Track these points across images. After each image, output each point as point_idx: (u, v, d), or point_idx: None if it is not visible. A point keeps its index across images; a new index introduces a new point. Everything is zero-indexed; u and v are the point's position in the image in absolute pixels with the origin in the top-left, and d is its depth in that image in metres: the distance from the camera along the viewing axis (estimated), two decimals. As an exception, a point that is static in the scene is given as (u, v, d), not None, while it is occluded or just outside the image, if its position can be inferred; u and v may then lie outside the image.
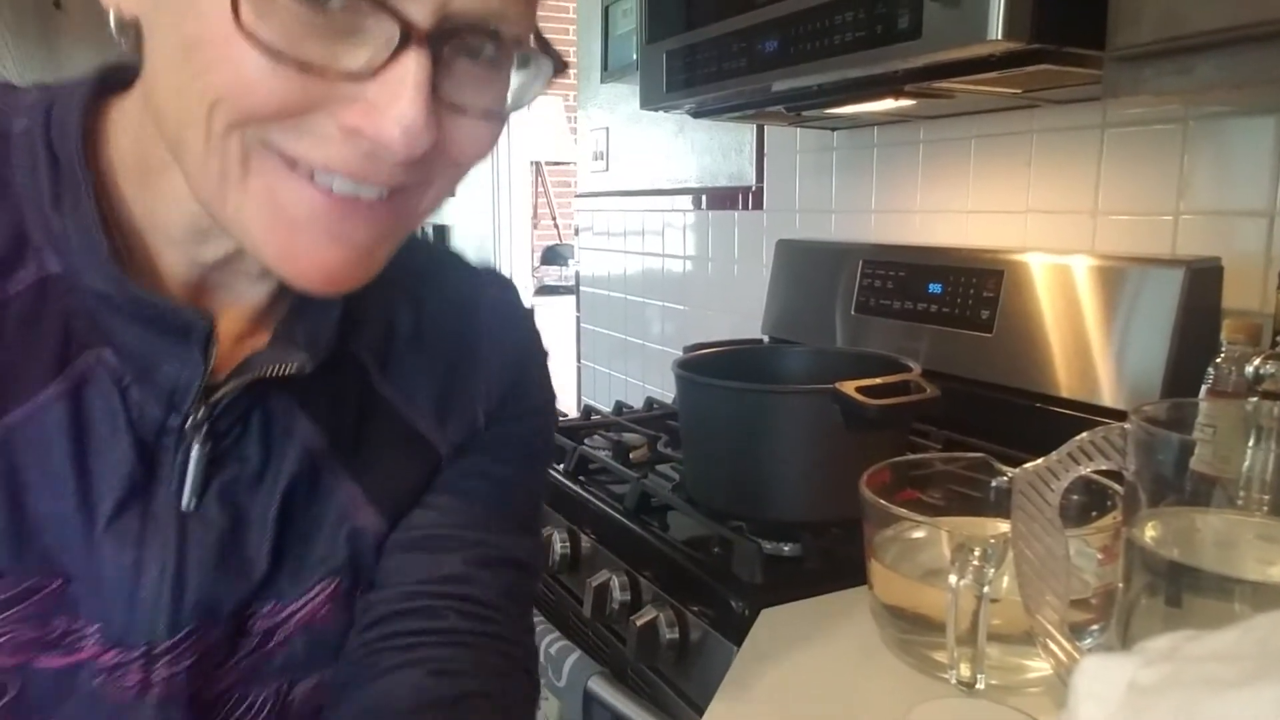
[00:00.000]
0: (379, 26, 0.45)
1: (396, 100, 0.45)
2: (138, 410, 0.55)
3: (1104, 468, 0.71)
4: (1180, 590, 0.66)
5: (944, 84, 1.18)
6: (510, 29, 0.49)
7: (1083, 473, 0.71)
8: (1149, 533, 0.68)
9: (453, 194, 0.56)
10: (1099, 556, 0.78)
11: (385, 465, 0.66)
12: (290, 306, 0.61)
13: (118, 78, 0.57)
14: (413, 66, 0.45)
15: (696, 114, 1.62)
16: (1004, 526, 0.76)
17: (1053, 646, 0.72)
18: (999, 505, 0.91)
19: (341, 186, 0.48)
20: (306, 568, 0.62)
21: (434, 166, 0.51)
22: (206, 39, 0.44)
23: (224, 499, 0.58)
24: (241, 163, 0.47)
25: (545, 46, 0.52)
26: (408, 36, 0.44)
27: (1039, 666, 0.78)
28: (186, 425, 0.56)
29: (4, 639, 0.53)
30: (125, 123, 0.56)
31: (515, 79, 0.52)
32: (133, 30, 0.49)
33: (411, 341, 0.68)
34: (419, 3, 0.44)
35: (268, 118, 0.46)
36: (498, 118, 0.52)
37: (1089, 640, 0.78)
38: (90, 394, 0.54)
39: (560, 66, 0.53)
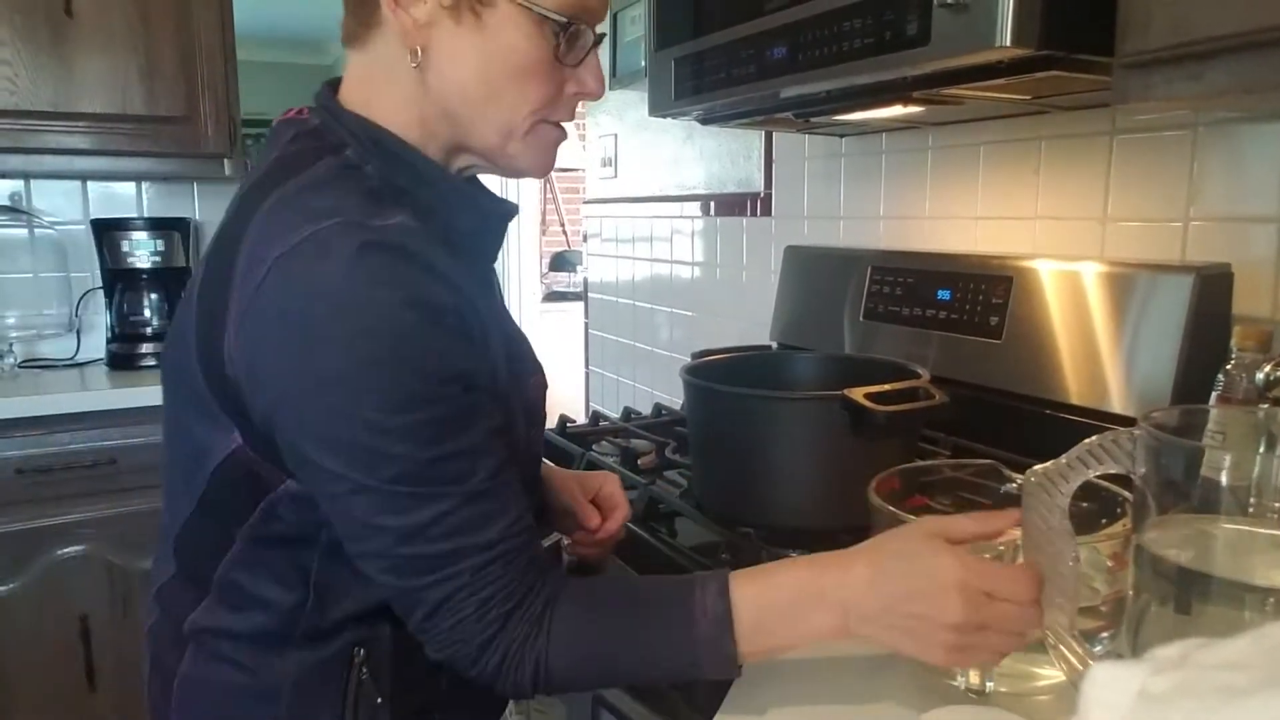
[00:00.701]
0: (584, 37, 0.84)
1: (596, 72, 0.87)
2: None
3: (1113, 471, 0.71)
4: (1190, 597, 0.66)
5: (952, 90, 1.18)
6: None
7: (1092, 476, 0.71)
8: (1159, 539, 0.68)
9: None
10: (1109, 564, 0.78)
11: None
12: None
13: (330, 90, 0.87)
14: (596, 55, 0.87)
15: (705, 121, 1.62)
16: (1015, 533, 0.76)
17: (1063, 650, 0.72)
18: (1008, 512, 0.91)
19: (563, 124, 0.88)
20: None
21: None
22: (530, 68, 0.81)
23: None
24: (528, 130, 0.84)
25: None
26: (597, 41, 0.86)
27: (1048, 674, 0.77)
28: None
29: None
30: (386, 110, 0.83)
31: None
32: (419, 55, 0.81)
33: None
34: (595, 24, 0.84)
35: (548, 100, 0.84)
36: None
37: (1099, 647, 0.78)
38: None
39: (600, 38, 0.87)
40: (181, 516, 0.86)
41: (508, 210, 0.93)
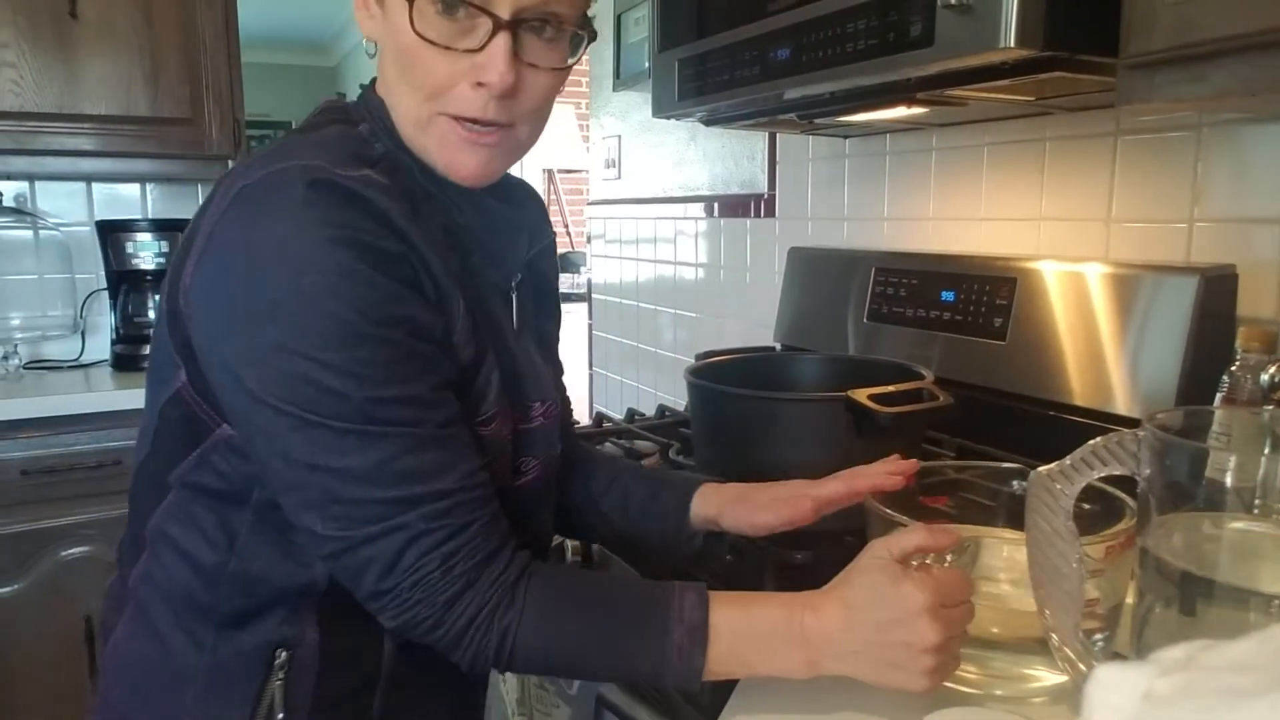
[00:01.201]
0: (482, 23, 0.77)
1: (494, 61, 0.77)
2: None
3: (1118, 473, 0.71)
4: (1195, 599, 0.66)
5: (956, 91, 1.18)
6: (562, 14, 0.80)
7: (1096, 478, 0.71)
8: (1163, 541, 0.68)
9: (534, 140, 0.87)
10: (1098, 566, 0.78)
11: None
12: None
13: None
14: (500, 41, 0.77)
15: (708, 122, 1.62)
16: (1008, 534, 0.76)
17: (1067, 652, 0.71)
18: (1012, 513, 0.91)
19: (469, 124, 0.80)
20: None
21: (520, 109, 0.81)
22: (411, 50, 0.78)
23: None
24: (428, 123, 0.81)
25: (587, 25, 0.83)
26: (497, 25, 0.76)
27: (1045, 675, 0.77)
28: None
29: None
30: (394, 100, 0.83)
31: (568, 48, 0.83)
32: (375, 47, 0.84)
33: None
34: (502, 6, 0.76)
35: (437, 91, 0.79)
36: (557, 73, 0.82)
37: (1095, 649, 0.78)
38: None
39: (593, 35, 0.84)
40: (137, 461, 0.87)
41: (521, 219, 0.93)
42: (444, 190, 0.84)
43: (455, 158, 0.82)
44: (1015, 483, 0.93)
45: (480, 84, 0.78)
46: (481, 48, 0.77)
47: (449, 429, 0.76)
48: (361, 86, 0.89)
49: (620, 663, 0.77)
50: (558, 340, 1.06)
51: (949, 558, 0.78)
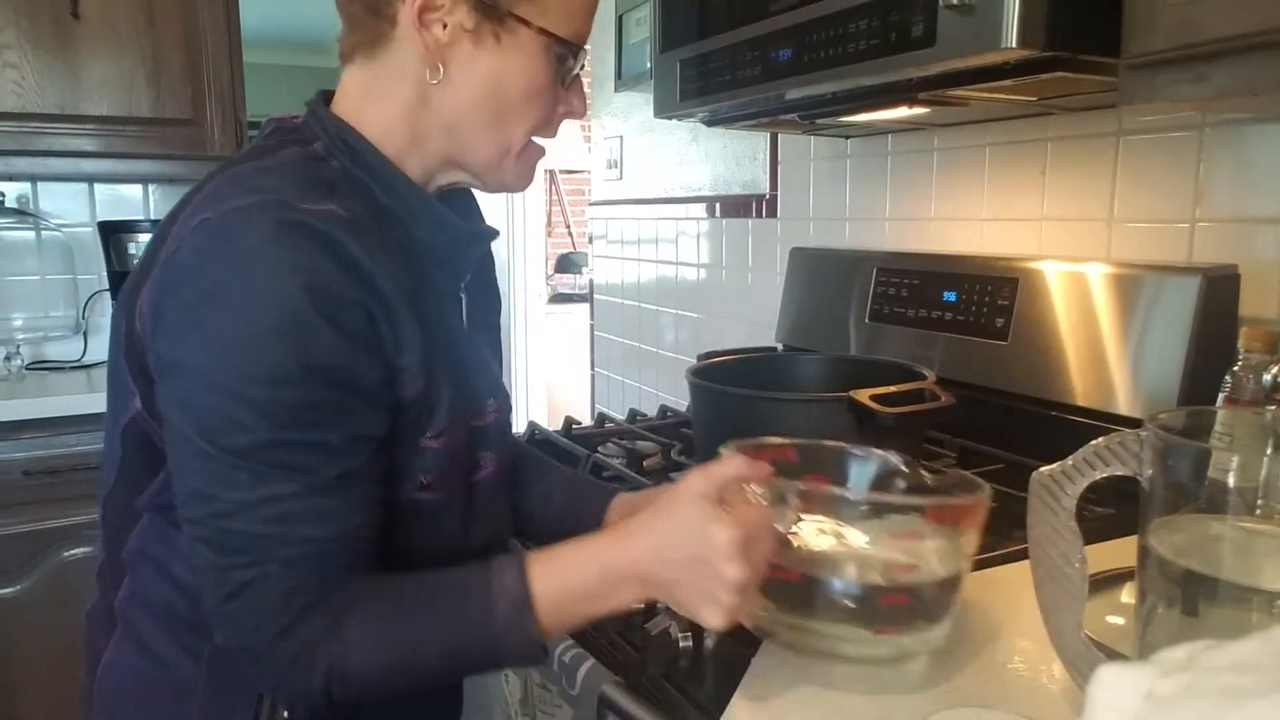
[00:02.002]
0: (570, 62, 0.87)
1: (582, 94, 0.91)
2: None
3: (1120, 473, 0.71)
4: (1197, 599, 0.66)
5: (958, 92, 1.18)
6: None
7: (1098, 478, 0.71)
8: (1166, 542, 0.68)
9: None
10: (918, 528, 0.80)
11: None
12: None
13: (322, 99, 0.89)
14: (581, 78, 0.90)
15: (710, 122, 1.62)
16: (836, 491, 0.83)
17: (1068, 652, 0.71)
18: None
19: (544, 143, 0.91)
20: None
21: None
22: (537, 90, 0.85)
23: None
24: (522, 148, 0.88)
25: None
26: (581, 67, 0.89)
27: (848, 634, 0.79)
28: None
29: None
30: (375, 121, 0.85)
31: None
32: (440, 71, 0.83)
33: None
34: (579, 51, 0.87)
35: (542, 122, 0.88)
36: None
37: (936, 629, 0.80)
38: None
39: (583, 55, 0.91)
40: (105, 491, 0.90)
41: (479, 233, 0.94)
42: (404, 205, 0.85)
43: (530, 175, 0.92)
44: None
45: (566, 113, 0.90)
46: (570, 84, 0.89)
47: (346, 480, 0.76)
48: (309, 104, 0.88)
49: (458, 658, 0.78)
50: (499, 329, 1.07)
51: (766, 500, 0.80)
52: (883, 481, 0.92)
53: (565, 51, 0.85)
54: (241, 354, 0.71)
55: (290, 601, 0.74)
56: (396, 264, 0.80)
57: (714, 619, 0.74)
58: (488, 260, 1.05)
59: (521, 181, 0.91)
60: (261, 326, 0.71)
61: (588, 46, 0.88)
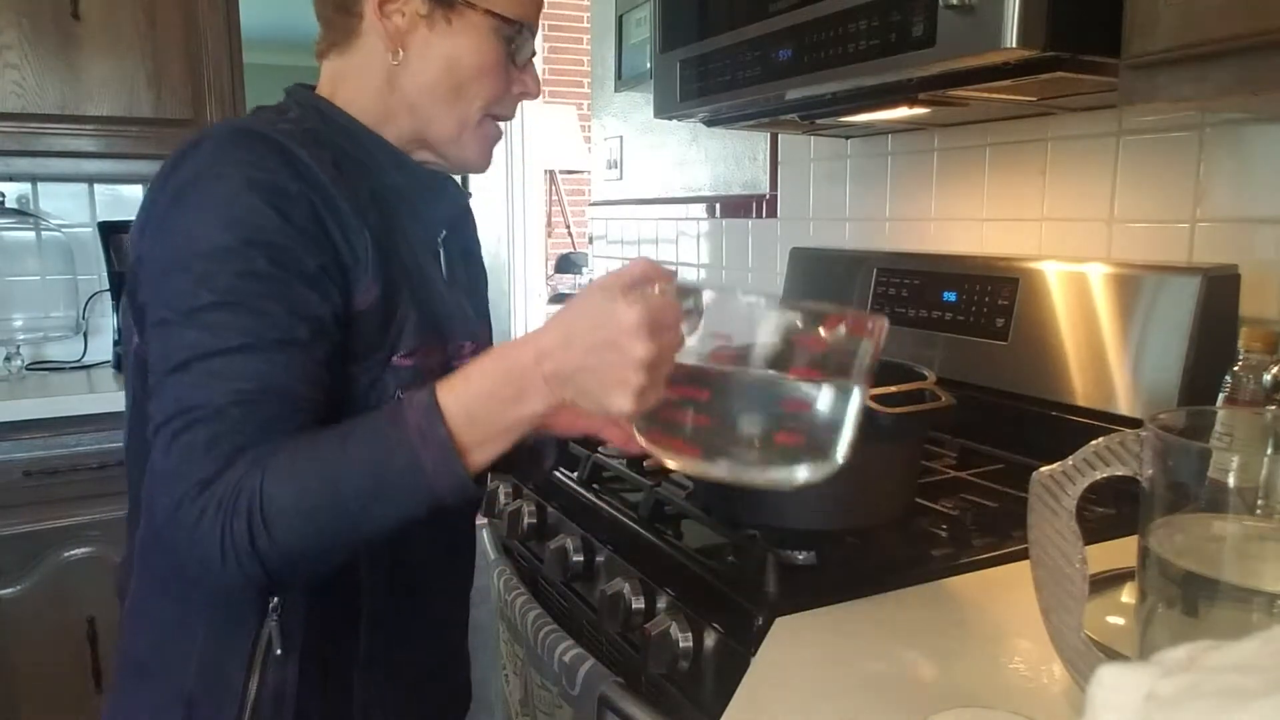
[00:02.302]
0: (527, 44, 0.97)
1: (534, 75, 1.00)
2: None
3: (1120, 473, 0.71)
4: (1198, 600, 0.66)
5: (958, 92, 1.18)
6: None
7: (1099, 478, 0.71)
8: (1166, 542, 0.68)
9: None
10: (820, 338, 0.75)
11: None
12: None
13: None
14: (537, 61, 1.00)
15: (710, 122, 1.62)
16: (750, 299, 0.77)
17: (1068, 652, 0.71)
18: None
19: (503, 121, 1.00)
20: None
21: None
22: (488, 66, 0.94)
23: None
24: (478, 123, 0.97)
25: None
26: (534, 51, 0.99)
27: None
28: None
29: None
30: (348, 102, 0.95)
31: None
32: (400, 54, 0.93)
33: None
34: (525, 31, 0.96)
35: (494, 99, 0.96)
36: None
37: (801, 469, 0.75)
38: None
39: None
40: (126, 440, 0.95)
41: (441, 180, 1.04)
42: (373, 157, 0.95)
43: (487, 151, 1.00)
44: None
45: (521, 92, 0.99)
46: (524, 66, 0.99)
47: (283, 346, 0.80)
48: (287, 89, 0.99)
49: (378, 481, 0.76)
50: (486, 302, 1.16)
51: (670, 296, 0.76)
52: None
53: (511, 32, 0.94)
54: (194, 237, 0.80)
55: (216, 447, 0.76)
56: (359, 199, 0.88)
57: (623, 402, 0.72)
58: (467, 227, 1.13)
59: (481, 159, 1.00)
60: (212, 214, 0.80)
61: (541, 27, 0.99)
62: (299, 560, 0.78)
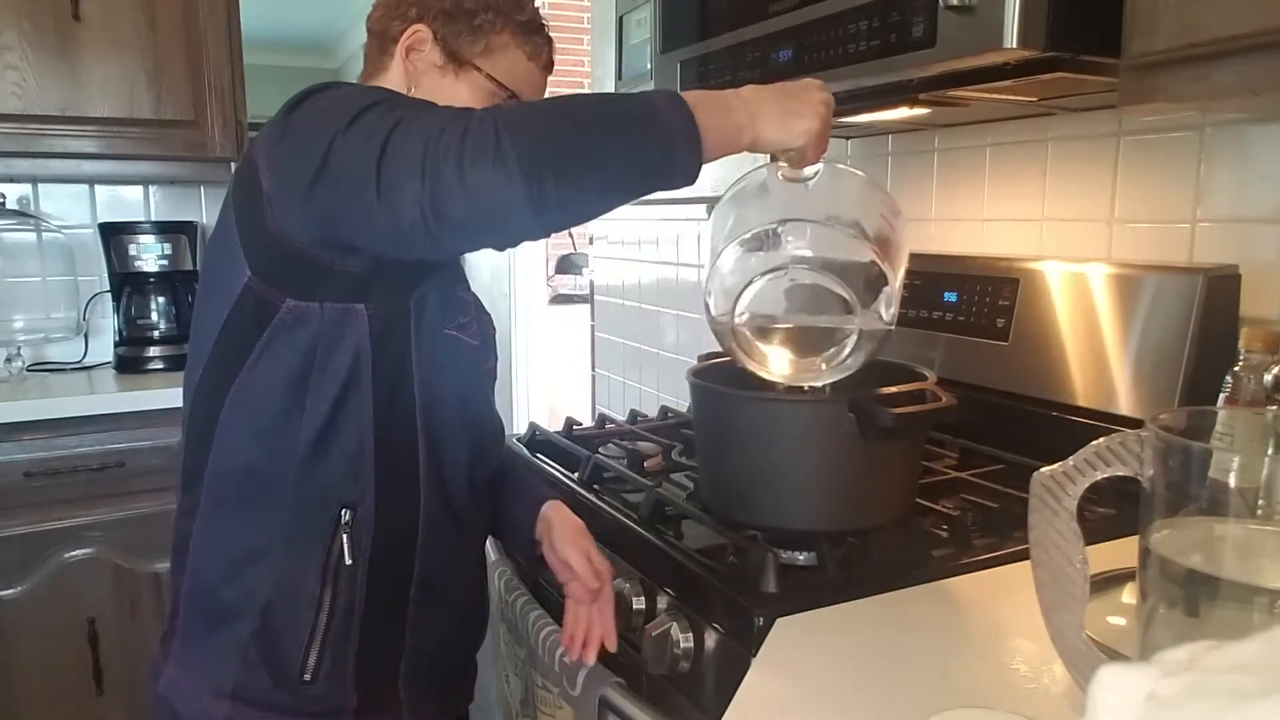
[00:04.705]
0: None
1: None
2: None
3: (1121, 473, 0.71)
4: (1199, 600, 0.66)
5: (959, 92, 1.18)
6: None
7: (1099, 478, 0.71)
8: (1167, 542, 0.68)
9: None
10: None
11: None
12: None
13: None
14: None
15: (710, 123, 1.62)
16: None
17: (1069, 653, 0.71)
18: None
19: None
20: None
21: None
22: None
23: None
24: None
25: None
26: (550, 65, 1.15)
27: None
28: None
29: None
30: None
31: None
32: (413, 90, 1.09)
33: None
34: (515, 96, 1.10)
35: None
36: None
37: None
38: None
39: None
40: (191, 387, 1.03)
41: None
42: None
43: None
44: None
45: None
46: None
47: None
48: None
49: (610, 104, 0.87)
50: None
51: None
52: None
53: (504, 96, 1.09)
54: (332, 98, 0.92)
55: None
56: None
57: (809, 119, 0.91)
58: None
59: None
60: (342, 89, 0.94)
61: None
62: (544, 160, 0.81)
